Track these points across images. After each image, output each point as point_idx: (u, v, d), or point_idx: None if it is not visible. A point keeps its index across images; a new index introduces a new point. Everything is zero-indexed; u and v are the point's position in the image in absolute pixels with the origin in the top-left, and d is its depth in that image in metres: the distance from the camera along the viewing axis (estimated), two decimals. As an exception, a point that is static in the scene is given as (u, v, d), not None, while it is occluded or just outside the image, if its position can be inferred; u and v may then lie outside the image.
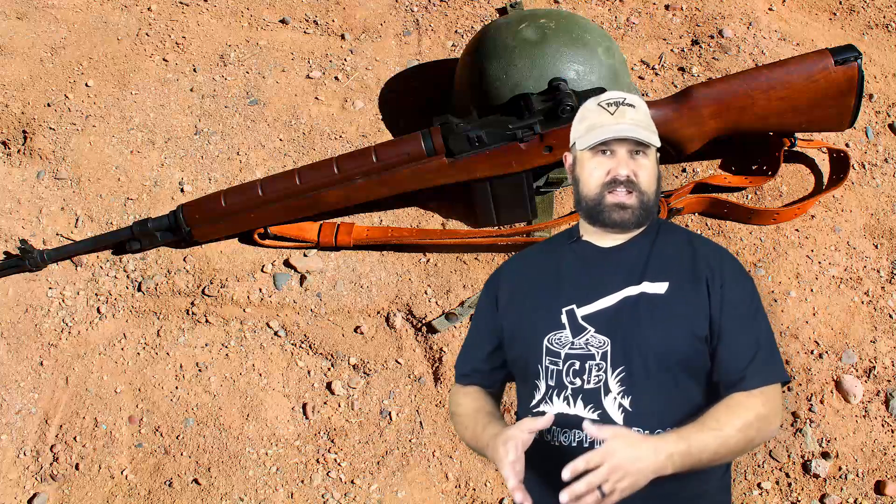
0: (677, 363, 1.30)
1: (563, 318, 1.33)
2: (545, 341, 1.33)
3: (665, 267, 1.35)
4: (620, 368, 1.29)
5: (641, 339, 1.30)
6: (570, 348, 1.31)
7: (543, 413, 1.29)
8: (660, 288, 1.33)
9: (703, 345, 1.31)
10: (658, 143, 1.38)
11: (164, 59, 2.64)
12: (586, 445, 1.28)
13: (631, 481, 1.16)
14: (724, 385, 1.32)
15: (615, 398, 1.28)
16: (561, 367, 1.31)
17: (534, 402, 1.35)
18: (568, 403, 1.30)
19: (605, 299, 1.33)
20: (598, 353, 1.30)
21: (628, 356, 1.29)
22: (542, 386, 1.34)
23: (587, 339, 1.31)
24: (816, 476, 1.88)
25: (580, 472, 1.15)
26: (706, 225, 2.28)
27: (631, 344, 1.30)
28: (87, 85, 2.56)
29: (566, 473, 1.14)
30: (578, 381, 1.30)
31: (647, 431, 1.27)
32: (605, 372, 1.29)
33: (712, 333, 1.32)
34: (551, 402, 1.31)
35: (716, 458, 1.24)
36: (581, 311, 1.33)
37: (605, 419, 1.28)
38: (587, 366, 1.30)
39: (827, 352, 2.05)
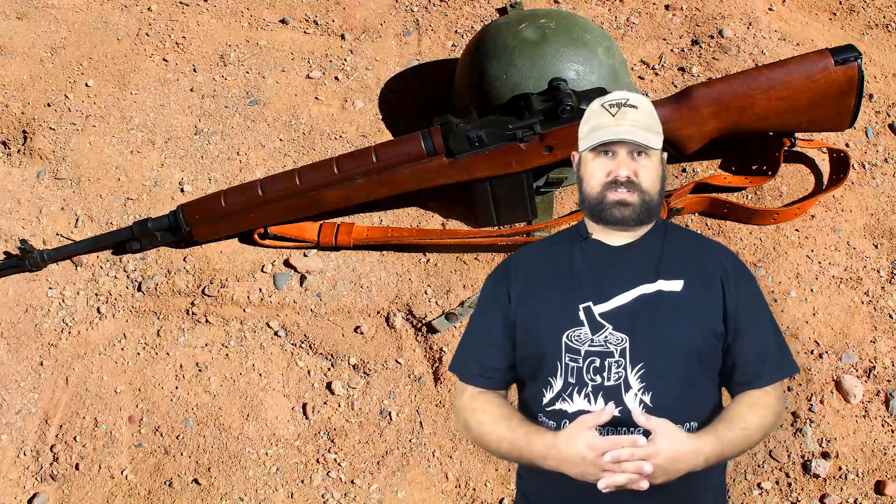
0: (696, 359, 1.33)
1: (581, 315, 1.34)
2: (564, 338, 1.34)
3: (678, 265, 1.37)
4: (640, 365, 1.30)
5: (661, 336, 1.32)
6: (589, 345, 1.32)
7: (562, 411, 1.31)
8: (676, 286, 1.35)
9: (718, 341, 1.35)
10: (658, 146, 1.38)
11: (164, 59, 2.64)
12: None
13: (665, 478, 1.23)
14: (740, 381, 1.36)
15: (636, 394, 1.30)
16: (581, 365, 1.32)
17: (546, 400, 1.35)
18: (588, 401, 1.31)
19: (620, 297, 1.34)
20: (616, 350, 1.31)
21: (648, 353, 1.31)
22: (558, 384, 1.34)
23: (606, 337, 1.32)
24: (816, 476, 1.88)
25: (622, 460, 1.22)
26: (706, 225, 2.28)
27: (650, 341, 1.31)
28: (87, 85, 2.56)
29: (608, 458, 1.22)
30: (598, 378, 1.31)
31: None
32: (625, 369, 1.30)
33: (728, 331, 1.35)
34: (571, 399, 1.32)
35: (738, 455, 1.32)
36: (598, 309, 1.34)
37: (626, 416, 1.29)
38: (607, 363, 1.31)
39: (827, 352, 2.05)
